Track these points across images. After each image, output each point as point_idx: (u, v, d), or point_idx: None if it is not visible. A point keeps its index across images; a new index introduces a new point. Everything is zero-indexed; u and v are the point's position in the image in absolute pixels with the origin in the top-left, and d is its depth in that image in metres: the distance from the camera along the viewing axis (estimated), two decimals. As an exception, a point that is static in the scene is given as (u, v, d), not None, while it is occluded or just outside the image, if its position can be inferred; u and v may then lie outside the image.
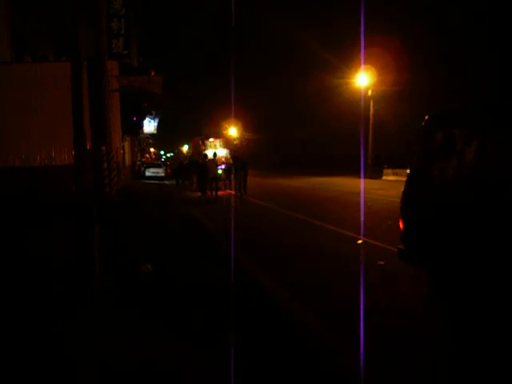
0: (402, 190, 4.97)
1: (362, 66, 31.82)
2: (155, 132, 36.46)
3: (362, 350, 3.39)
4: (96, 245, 5.32)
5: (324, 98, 42.27)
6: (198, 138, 35.03)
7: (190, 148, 58.49)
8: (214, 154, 18.35)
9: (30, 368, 3.34)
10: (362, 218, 10.50)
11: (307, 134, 49.85)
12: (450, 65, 35.69)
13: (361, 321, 3.88)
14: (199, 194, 17.88)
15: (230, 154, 24.55)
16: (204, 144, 30.39)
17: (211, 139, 30.57)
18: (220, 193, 17.81)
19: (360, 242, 7.61)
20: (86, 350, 3.60)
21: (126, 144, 26.53)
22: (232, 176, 19.69)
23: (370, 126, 32.96)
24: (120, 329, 4.04)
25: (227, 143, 28.24)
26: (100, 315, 4.35)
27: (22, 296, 4.90)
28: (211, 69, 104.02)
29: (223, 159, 23.56)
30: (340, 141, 43.84)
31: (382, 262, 6.17)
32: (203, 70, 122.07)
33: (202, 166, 17.95)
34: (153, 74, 16.59)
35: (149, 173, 37.01)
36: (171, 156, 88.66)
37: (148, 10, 30.91)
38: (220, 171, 19.41)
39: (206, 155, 19.74)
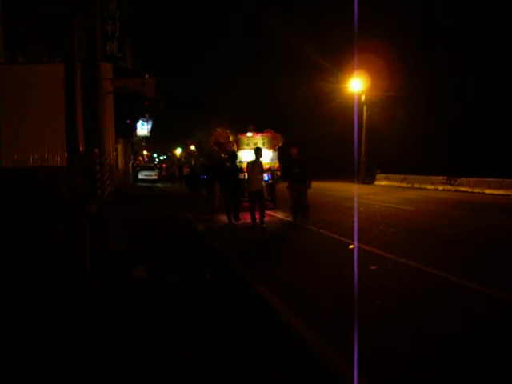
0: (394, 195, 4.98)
1: (356, 72, 31.98)
2: (149, 135, 36.36)
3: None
4: (87, 248, 5.29)
5: (318, 103, 42.42)
6: (224, 129, 18.86)
7: (200, 145, 54.84)
8: (258, 151, 10.84)
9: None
10: (356, 224, 10.57)
11: (301, 138, 49.97)
12: (442, 69, 36.06)
13: (355, 325, 3.88)
14: (227, 219, 11.08)
15: (281, 157, 15.68)
16: (239, 141, 17.36)
17: (249, 133, 17.39)
18: (266, 217, 10.95)
19: (352, 246, 7.67)
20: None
21: (119, 147, 26.41)
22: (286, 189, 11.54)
23: (364, 131, 33.08)
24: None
25: (274, 142, 16.61)
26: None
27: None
28: (206, 72, 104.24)
29: (268, 167, 14.79)
30: (333, 146, 43.98)
31: (373, 267, 6.20)
32: (198, 73, 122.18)
33: (230, 171, 11.29)
34: (147, 76, 16.56)
35: (142, 176, 37.10)
36: (165, 159, 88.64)
37: (143, 13, 30.82)
38: (263, 183, 11.78)
39: (234, 154, 12.10)
